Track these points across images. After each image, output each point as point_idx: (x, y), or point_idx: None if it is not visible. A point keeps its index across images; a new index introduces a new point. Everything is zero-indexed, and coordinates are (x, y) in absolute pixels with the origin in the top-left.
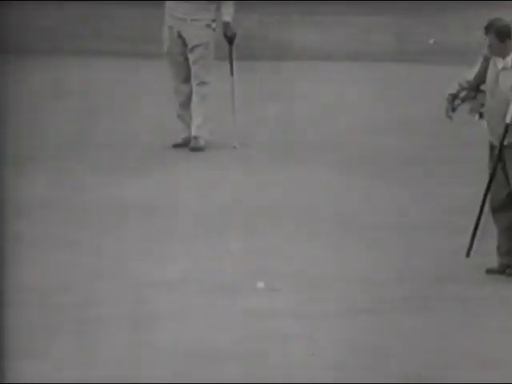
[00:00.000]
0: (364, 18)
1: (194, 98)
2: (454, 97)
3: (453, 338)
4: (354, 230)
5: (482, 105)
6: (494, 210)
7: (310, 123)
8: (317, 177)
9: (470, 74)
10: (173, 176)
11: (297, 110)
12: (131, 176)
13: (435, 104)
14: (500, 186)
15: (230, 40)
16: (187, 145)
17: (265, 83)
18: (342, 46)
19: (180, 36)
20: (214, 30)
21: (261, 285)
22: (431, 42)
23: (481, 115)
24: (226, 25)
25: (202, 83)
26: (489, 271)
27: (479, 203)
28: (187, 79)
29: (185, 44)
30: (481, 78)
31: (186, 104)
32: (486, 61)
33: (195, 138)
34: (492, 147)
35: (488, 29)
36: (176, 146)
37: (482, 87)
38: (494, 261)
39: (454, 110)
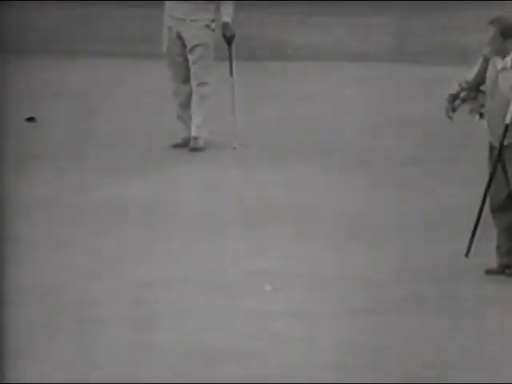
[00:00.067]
0: (364, 18)
1: (194, 98)
2: (454, 97)
3: (453, 338)
4: (354, 230)
5: (482, 105)
6: (494, 211)
7: (310, 123)
8: (317, 177)
9: (470, 74)
10: (173, 176)
11: (297, 110)
12: (131, 176)
13: (435, 104)
14: (500, 186)
15: (229, 40)
16: (187, 145)
17: (265, 83)
18: (342, 45)
19: (179, 36)
20: (213, 30)
21: (268, 288)
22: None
23: (481, 115)
24: (226, 25)
25: (202, 84)
26: (488, 271)
27: (479, 203)
28: (187, 80)
29: (184, 44)
30: (480, 78)
31: (186, 104)
32: (486, 61)
33: (195, 138)
34: (492, 148)
35: (494, 23)
36: (176, 146)
37: (482, 87)
38: (493, 261)
39: (454, 110)
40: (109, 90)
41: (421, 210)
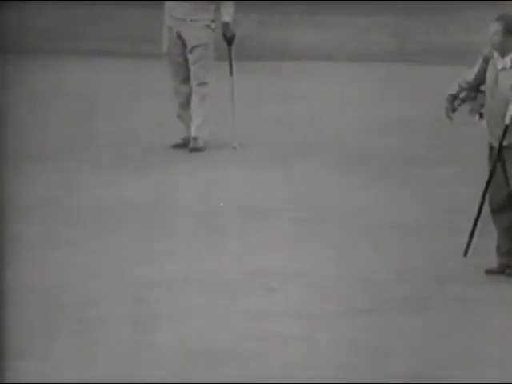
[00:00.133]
0: (364, 18)
1: (194, 98)
2: (454, 97)
3: (453, 337)
4: (353, 229)
5: (482, 105)
6: (494, 211)
7: (310, 123)
8: (317, 177)
9: (470, 74)
10: (172, 176)
11: (297, 109)
12: (131, 176)
13: (435, 104)
14: (500, 186)
15: (229, 40)
16: (187, 145)
17: (265, 83)
18: (342, 45)
19: (179, 36)
20: (213, 30)
21: (271, 286)
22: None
23: (481, 116)
24: (226, 25)
25: (202, 83)
26: (488, 271)
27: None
28: (187, 80)
29: (184, 44)
30: (480, 78)
31: (186, 104)
32: (486, 61)
33: (195, 138)
34: (491, 148)
35: (499, 19)
36: (176, 146)
37: (482, 88)
38: (493, 261)
39: (454, 110)
40: (109, 89)
41: (421, 210)
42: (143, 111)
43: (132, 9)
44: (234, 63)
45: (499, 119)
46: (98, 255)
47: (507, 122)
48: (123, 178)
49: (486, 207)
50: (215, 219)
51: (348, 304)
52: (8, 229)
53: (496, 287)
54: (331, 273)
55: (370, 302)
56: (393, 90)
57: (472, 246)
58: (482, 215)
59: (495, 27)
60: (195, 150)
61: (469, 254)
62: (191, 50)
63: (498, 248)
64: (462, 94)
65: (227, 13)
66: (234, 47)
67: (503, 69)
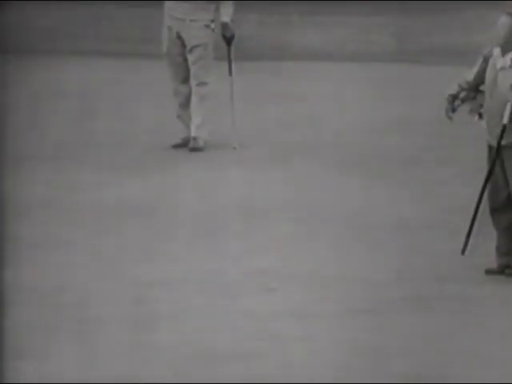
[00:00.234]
0: (364, 18)
1: (194, 98)
2: (454, 97)
3: (453, 337)
4: (354, 229)
5: (482, 105)
6: (494, 211)
7: (310, 123)
8: (317, 177)
9: (470, 74)
10: (172, 176)
11: (297, 109)
12: (131, 176)
13: (435, 104)
14: (500, 186)
15: (229, 41)
16: (187, 145)
17: (264, 83)
18: (342, 46)
19: (179, 36)
20: (212, 30)
21: (271, 286)
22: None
23: (480, 116)
24: (225, 25)
25: (202, 84)
26: (488, 272)
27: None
28: (186, 80)
29: (184, 44)
30: (480, 78)
31: (186, 105)
32: (486, 61)
33: (195, 138)
34: (491, 147)
35: (510, 14)
36: (175, 146)
37: (482, 88)
38: (493, 261)
39: (453, 110)
40: (109, 89)
41: (421, 210)
42: (143, 111)
43: (132, 9)
44: (233, 63)
45: (498, 119)
46: (98, 255)
47: (505, 121)
48: (123, 178)
49: (486, 207)
50: (215, 219)
51: (348, 304)
52: (8, 229)
53: (496, 287)
54: (331, 273)
55: (370, 302)
56: (393, 90)
57: (471, 245)
58: (482, 215)
59: (504, 21)
60: (195, 149)
61: (467, 253)
62: (191, 50)
63: (497, 248)
64: (462, 94)
65: (227, 13)
66: (233, 47)
67: (503, 68)
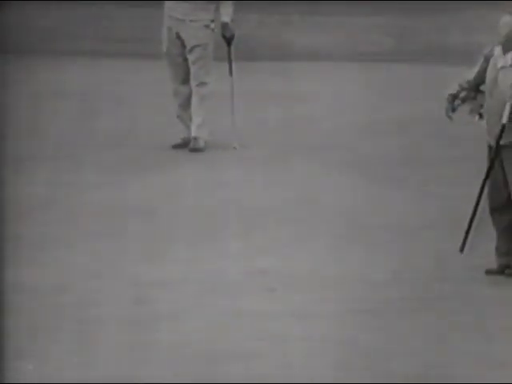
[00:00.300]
0: (364, 18)
1: (194, 98)
2: (454, 97)
3: (453, 338)
4: (354, 230)
5: (482, 105)
6: (494, 211)
7: (310, 123)
8: (316, 177)
9: (470, 74)
10: (172, 176)
11: (297, 109)
12: (131, 176)
13: (435, 104)
14: (500, 187)
15: (229, 41)
16: (187, 145)
17: (264, 83)
18: (342, 46)
19: (179, 37)
20: (212, 30)
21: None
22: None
23: (480, 116)
24: (225, 25)
25: (202, 84)
26: (488, 272)
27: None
28: (186, 80)
29: (183, 45)
30: (480, 78)
31: (186, 105)
32: (486, 61)
33: (195, 138)
34: (490, 147)
35: None
36: (175, 146)
37: (482, 87)
38: (493, 261)
39: (454, 110)
40: (109, 89)
41: (420, 210)
42: (143, 111)
43: (132, 9)
44: (233, 63)
45: (498, 118)
46: (97, 255)
47: (504, 121)
48: (123, 178)
49: (486, 207)
50: (215, 219)
51: (348, 304)
52: (8, 229)
53: (496, 287)
54: (331, 273)
55: (370, 302)
56: (393, 90)
57: (471, 245)
58: (481, 215)
59: (505, 20)
60: (195, 150)
61: (465, 252)
62: (190, 50)
63: (497, 249)
64: (462, 94)
65: (226, 13)
66: (233, 47)
67: (503, 67)
